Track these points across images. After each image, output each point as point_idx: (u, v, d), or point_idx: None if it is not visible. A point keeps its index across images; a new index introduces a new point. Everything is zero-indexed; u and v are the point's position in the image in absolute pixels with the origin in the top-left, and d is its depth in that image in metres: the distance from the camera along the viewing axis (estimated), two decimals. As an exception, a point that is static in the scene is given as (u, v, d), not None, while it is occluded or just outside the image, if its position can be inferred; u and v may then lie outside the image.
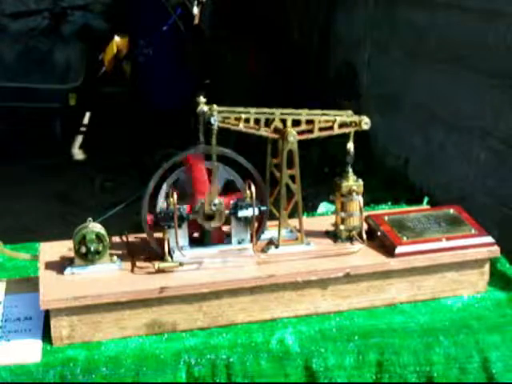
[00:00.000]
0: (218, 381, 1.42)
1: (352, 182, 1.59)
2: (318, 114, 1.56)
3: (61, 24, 5.93)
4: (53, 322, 1.43)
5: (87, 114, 6.15)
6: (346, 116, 1.58)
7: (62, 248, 1.58)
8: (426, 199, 1.98)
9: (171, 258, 1.52)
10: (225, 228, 1.58)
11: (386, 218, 1.67)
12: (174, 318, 1.48)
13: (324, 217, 1.91)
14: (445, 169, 3.61)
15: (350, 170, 1.60)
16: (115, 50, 5.88)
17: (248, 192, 1.53)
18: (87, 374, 1.38)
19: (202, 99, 1.50)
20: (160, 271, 1.50)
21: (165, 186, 1.53)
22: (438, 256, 1.58)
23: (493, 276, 1.65)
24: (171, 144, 3.24)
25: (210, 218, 1.53)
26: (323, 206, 2.18)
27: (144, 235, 1.55)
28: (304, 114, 1.55)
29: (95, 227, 1.51)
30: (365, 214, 1.63)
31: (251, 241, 1.55)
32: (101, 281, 1.48)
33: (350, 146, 1.58)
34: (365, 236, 1.60)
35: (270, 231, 1.61)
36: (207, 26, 5.68)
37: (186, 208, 1.52)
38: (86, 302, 1.43)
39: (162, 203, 1.52)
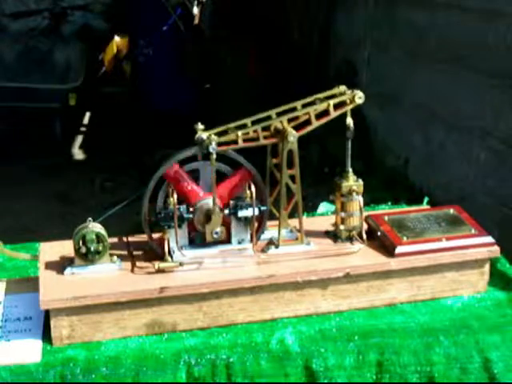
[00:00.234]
0: (218, 381, 1.42)
1: (352, 182, 1.59)
2: (311, 103, 1.55)
3: (61, 24, 5.93)
4: (53, 322, 1.43)
5: (87, 114, 6.14)
6: (339, 94, 1.56)
7: (62, 248, 1.58)
8: (426, 199, 1.98)
9: (171, 258, 1.52)
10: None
11: (386, 217, 1.67)
12: (174, 318, 1.48)
13: (324, 217, 1.91)
14: (445, 169, 3.61)
15: (350, 169, 1.60)
16: (115, 50, 5.88)
17: (248, 192, 1.53)
18: (87, 374, 1.38)
19: (200, 126, 1.50)
20: (160, 271, 1.50)
21: (165, 186, 1.53)
22: (438, 256, 1.58)
23: (493, 276, 1.65)
24: (171, 144, 3.23)
25: (207, 219, 1.53)
26: (323, 206, 2.18)
27: (144, 235, 1.55)
28: (299, 107, 1.55)
29: (95, 227, 1.51)
30: (365, 214, 1.63)
31: (251, 241, 1.55)
32: (101, 281, 1.48)
33: (349, 121, 1.56)
34: (365, 236, 1.60)
35: (270, 231, 1.61)
36: (207, 26, 5.68)
37: (185, 208, 1.52)
38: (85, 302, 1.43)
39: (161, 203, 1.52)
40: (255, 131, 1.51)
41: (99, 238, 1.51)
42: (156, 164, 1.56)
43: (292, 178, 1.57)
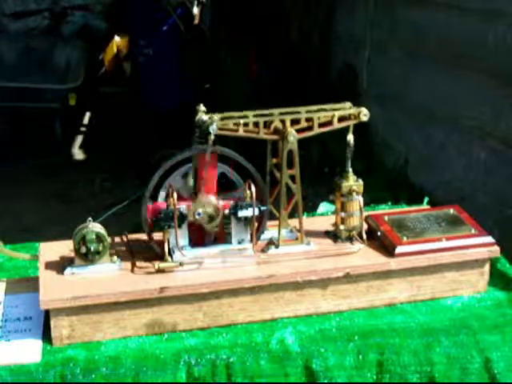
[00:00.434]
0: (218, 381, 1.42)
1: (352, 182, 1.59)
2: (316, 111, 1.56)
3: (61, 24, 5.93)
4: (53, 322, 1.43)
5: (87, 114, 6.15)
6: (345, 109, 1.57)
7: (62, 248, 1.58)
8: (426, 199, 1.98)
9: (171, 258, 1.52)
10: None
11: (386, 217, 1.67)
12: (174, 318, 1.48)
13: (324, 217, 1.91)
14: (445, 169, 3.61)
15: (350, 170, 1.60)
16: (115, 49, 5.88)
17: (248, 192, 1.52)
18: (87, 374, 1.38)
19: (202, 107, 1.50)
20: (160, 271, 1.50)
21: (165, 186, 1.53)
22: (438, 256, 1.58)
23: (493, 276, 1.65)
24: (171, 144, 3.23)
25: (210, 219, 1.53)
26: (323, 206, 2.18)
27: (144, 235, 1.55)
28: (303, 112, 1.55)
29: (95, 227, 1.51)
30: (365, 214, 1.63)
31: (251, 241, 1.55)
32: (101, 281, 1.48)
33: (350, 137, 1.57)
34: (365, 236, 1.60)
35: (270, 231, 1.61)
36: (207, 26, 5.68)
37: (185, 208, 1.52)
38: (85, 302, 1.43)
39: (161, 203, 1.52)
40: (256, 125, 1.52)
41: (99, 238, 1.51)
42: (156, 164, 1.56)
43: (292, 177, 1.57)
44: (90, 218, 1.53)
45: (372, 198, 2.02)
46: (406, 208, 1.89)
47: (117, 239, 1.62)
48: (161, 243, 1.53)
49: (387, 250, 1.58)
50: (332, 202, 1.69)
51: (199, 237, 1.57)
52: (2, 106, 5.34)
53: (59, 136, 5.54)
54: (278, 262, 1.54)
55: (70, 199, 4.66)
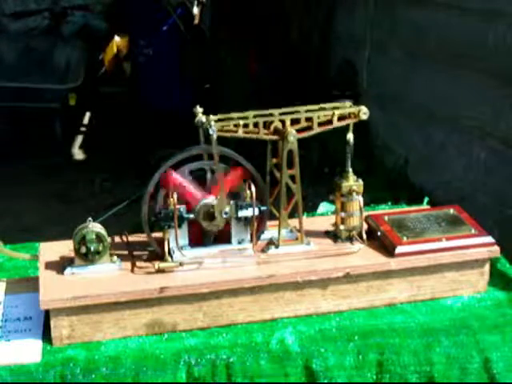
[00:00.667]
0: (218, 381, 1.42)
1: (352, 182, 1.59)
2: (316, 110, 1.56)
3: (61, 24, 5.93)
4: (53, 322, 1.43)
5: (87, 114, 6.15)
6: (344, 107, 1.57)
7: (62, 248, 1.58)
8: (426, 199, 1.98)
9: (171, 258, 1.52)
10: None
11: (386, 217, 1.67)
12: (174, 318, 1.48)
13: (324, 217, 1.91)
14: (445, 169, 3.61)
15: (350, 169, 1.60)
16: (115, 49, 5.88)
17: (248, 192, 1.52)
18: (87, 374, 1.38)
19: (199, 109, 1.50)
20: (160, 271, 1.50)
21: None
22: (438, 256, 1.58)
23: (493, 276, 1.65)
24: (171, 144, 3.24)
25: (211, 218, 1.53)
26: (323, 206, 2.18)
27: (144, 235, 1.55)
28: (302, 112, 1.55)
29: (95, 227, 1.51)
30: (365, 214, 1.63)
31: (251, 241, 1.55)
32: (101, 281, 1.48)
33: (350, 136, 1.57)
34: (365, 236, 1.60)
35: (270, 231, 1.61)
36: (207, 26, 5.68)
37: (185, 208, 1.52)
38: (85, 302, 1.43)
39: (161, 203, 1.52)
40: (256, 125, 1.52)
41: (99, 238, 1.51)
42: (156, 164, 1.56)
43: (292, 177, 1.57)
44: (90, 218, 1.53)
45: (372, 197, 2.02)
46: (406, 208, 1.89)
47: (117, 239, 1.62)
48: (161, 243, 1.53)
49: (387, 249, 1.58)
50: (332, 202, 1.69)
51: (199, 237, 1.57)
52: (2, 105, 5.34)
53: (59, 136, 5.54)
54: (278, 262, 1.54)
55: (70, 199, 4.66)
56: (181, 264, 1.51)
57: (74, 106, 5.51)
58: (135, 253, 1.58)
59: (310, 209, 2.08)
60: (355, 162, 1.61)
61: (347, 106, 1.58)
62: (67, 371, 1.38)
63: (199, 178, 1.56)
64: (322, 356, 1.45)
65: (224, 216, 1.52)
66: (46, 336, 1.45)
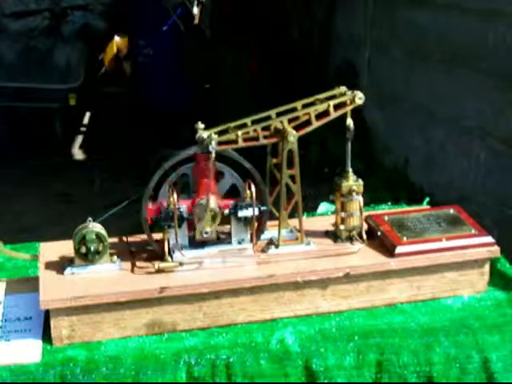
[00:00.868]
0: (218, 381, 1.42)
1: (352, 182, 1.59)
2: (311, 103, 1.55)
3: (61, 24, 5.92)
4: (53, 322, 1.43)
5: (87, 114, 6.15)
6: (339, 95, 1.57)
7: (62, 248, 1.58)
8: (426, 199, 1.98)
9: (171, 258, 1.52)
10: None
11: (386, 217, 1.67)
12: (174, 318, 1.48)
13: (324, 217, 1.91)
14: (445, 169, 3.61)
15: (350, 169, 1.60)
16: (115, 50, 5.88)
17: (248, 192, 1.52)
18: (87, 374, 1.38)
19: (201, 125, 1.50)
20: (160, 271, 1.50)
21: (165, 186, 1.53)
22: (438, 256, 1.58)
23: (493, 276, 1.65)
24: (171, 144, 3.24)
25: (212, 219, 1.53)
26: (323, 206, 2.18)
27: (144, 235, 1.55)
28: (299, 107, 1.55)
29: (95, 227, 1.51)
30: (365, 214, 1.63)
31: (251, 241, 1.55)
32: (101, 281, 1.48)
33: (350, 121, 1.57)
34: (365, 236, 1.60)
35: (270, 231, 1.61)
36: (207, 26, 5.68)
37: (185, 208, 1.52)
38: (85, 302, 1.43)
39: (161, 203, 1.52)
40: (255, 131, 1.52)
41: (99, 238, 1.51)
42: (156, 164, 1.56)
43: (292, 177, 1.57)
44: (90, 218, 1.53)
45: (372, 197, 2.02)
46: (406, 208, 1.89)
47: (117, 239, 1.62)
48: (161, 243, 1.53)
49: (387, 249, 1.58)
50: (332, 202, 1.69)
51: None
52: (2, 106, 5.34)
53: (59, 136, 5.54)
54: (278, 262, 1.54)
55: (70, 199, 4.66)
56: (181, 264, 1.51)
57: (74, 106, 5.50)
58: (135, 253, 1.58)
59: (310, 209, 2.08)
60: (355, 162, 1.61)
61: (342, 92, 1.57)
62: (67, 371, 1.38)
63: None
64: (322, 356, 1.45)
65: (204, 235, 1.51)
66: (46, 336, 1.45)
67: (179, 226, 1.51)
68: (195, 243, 1.55)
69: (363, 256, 1.57)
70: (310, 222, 1.69)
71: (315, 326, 1.51)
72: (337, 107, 1.56)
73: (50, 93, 5.39)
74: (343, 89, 1.58)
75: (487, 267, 1.62)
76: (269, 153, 1.59)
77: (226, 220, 1.55)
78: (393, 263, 1.56)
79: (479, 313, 1.56)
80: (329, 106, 1.54)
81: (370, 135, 4.32)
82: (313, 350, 1.45)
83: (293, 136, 1.53)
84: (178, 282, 1.47)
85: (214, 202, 1.51)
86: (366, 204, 1.71)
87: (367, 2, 4.46)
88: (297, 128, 1.54)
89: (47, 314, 1.45)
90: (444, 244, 1.59)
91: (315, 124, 1.55)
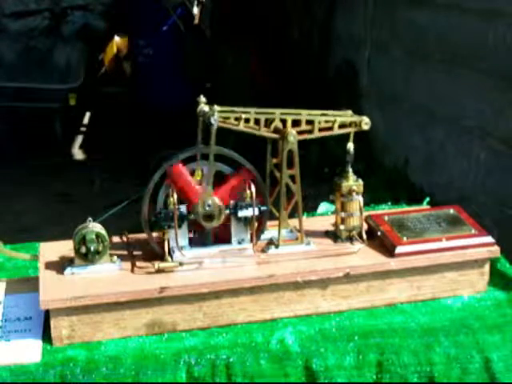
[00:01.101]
0: (218, 381, 1.42)
1: (352, 182, 1.59)
2: (317, 115, 1.56)
3: (61, 24, 5.92)
4: (53, 322, 1.43)
5: (87, 114, 6.15)
6: (346, 116, 1.58)
7: (62, 248, 1.58)
8: (426, 199, 1.98)
9: (171, 258, 1.52)
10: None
11: (386, 217, 1.67)
12: (174, 318, 1.48)
13: (324, 217, 1.91)
14: (445, 169, 3.61)
15: (350, 169, 1.60)
16: (115, 49, 5.89)
17: (248, 192, 1.52)
18: (87, 374, 1.38)
19: (203, 99, 1.51)
20: (160, 271, 1.50)
21: (165, 186, 1.53)
22: (438, 256, 1.58)
23: (493, 276, 1.65)
24: (171, 144, 3.24)
25: (209, 217, 1.53)
26: (323, 206, 2.18)
27: (144, 235, 1.55)
28: (304, 115, 1.55)
29: (95, 227, 1.51)
30: (365, 214, 1.63)
31: (251, 241, 1.55)
32: (101, 281, 1.48)
33: (350, 145, 1.58)
34: (365, 236, 1.60)
35: (270, 231, 1.61)
36: (207, 26, 5.68)
37: (185, 208, 1.52)
38: (85, 302, 1.43)
39: (161, 203, 1.52)
40: (257, 122, 1.52)
41: (99, 238, 1.51)
42: (156, 164, 1.56)
43: (292, 177, 1.57)
44: (90, 218, 1.53)
45: (372, 197, 2.02)
46: (406, 208, 1.89)
47: (117, 239, 1.62)
48: (161, 243, 1.53)
49: (387, 249, 1.58)
50: (332, 202, 1.69)
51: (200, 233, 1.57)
52: (2, 105, 5.34)
53: (59, 136, 5.54)
54: (278, 262, 1.54)
55: (70, 199, 4.66)
56: (181, 264, 1.51)
57: (74, 106, 5.51)
58: (135, 253, 1.58)
59: (310, 209, 2.08)
60: (355, 162, 1.61)
61: (349, 115, 1.58)
62: (67, 371, 1.38)
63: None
64: (322, 356, 1.44)
65: (207, 208, 1.51)
66: (46, 336, 1.45)
67: (179, 226, 1.51)
68: (195, 243, 1.55)
69: (363, 256, 1.57)
70: (310, 222, 1.69)
71: (315, 326, 1.51)
72: (341, 126, 1.57)
73: (49, 93, 5.39)
74: (349, 112, 1.58)
75: (487, 267, 1.62)
76: (269, 153, 1.59)
77: (226, 220, 1.55)
78: (393, 263, 1.56)
79: (479, 313, 1.56)
80: (334, 122, 1.55)
81: (370, 135, 4.31)
82: (313, 350, 1.45)
83: (293, 136, 1.53)
84: (178, 282, 1.47)
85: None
86: (366, 204, 1.71)
87: (367, 1, 4.46)
88: (298, 133, 1.54)
89: (47, 314, 1.45)
90: (444, 244, 1.59)
91: (316, 134, 1.56)
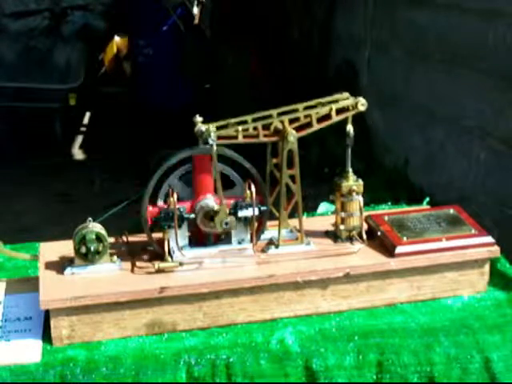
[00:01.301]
0: (218, 381, 1.42)
1: (352, 182, 1.59)
2: (313, 106, 1.55)
3: (61, 24, 5.92)
4: (53, 322, 1.43)
5: (87, 114, 6.14)
6: (342, 100, 1.57)
7: (62, 248, 1.58)
8: (426, 199, 1.98)
9: (171, 258, 1.52)
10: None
11: (386, 217, 1.67)
12: (174, 318, 1.48)
13: (324, 217, 1.91)
14: (445, 169, 3.61)
15: (350, 169, 1.60)
16: (115, 49, 5.89)
17: (248, 192, 1.52)
18: (87, 374, 1.38)
19: (199, 118, 1.50)
20: (160, 271, 1.50)
21: (165, 186, 1.53)
22: (438, 256, 1.58)
23: (493, 276, 1.65)
24: (171, 144, 3.24)
25: (210, 219, 1.53)
26: (323, 206, 2.18)
27: (144, 235, 1.55)
28: (300, 109, 1.55)
29: (95, 227, 1.51)
30: (365, 214, 1.63)
31: (251, 241, 1.55)
32: (101, 281, 1.48)
33: (350, 128, 1.57)
34: (365, 236, 1.60)
35: (270, 231, 1.60)
36: (207, 26, 5.68)
37: (186, 208, 1.52)
38: (85, 302, 1.43)
39: (161, 203, 1.52)
40: (255, 128, 1.52)
41: (99, 238, 1.51)
42: (156, 164, 1.56)
43: (292, 177, 1.57)
44: (90, 218, 1.53)
45: (372, 197, 2.02)
46: (406, 208, 1.89)
47: (117, 239, 1.62)
48: (161, 243, 1.53)
49: (387, 249, 1.58)
50: (332, 202, 1.69)
51: (199, 237, 1.57)
52: (2, 105, 5.34)
53: (59, 136, 5.54)
54: (278, 262, 1.54)
55: (70, 199, 4.66)
56: (181, 264, 1.51)
57: (74, 106, 5.51)
58: (135, 253, 1.58)
59: (310, 209, 2.08)
60: (355, 162, 1.61)
61: (344, 98, 1.57)
62: (67, 371, 1.38)
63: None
64: (322, 356, 1.44)
65: (224, 227, 1.51)
66: (46, 336, 1.45)
67: (179, 226, 1.51)
68: (195, 243, 1.55)
69: (363, 256, 1.57)
70: (310, 222, 1.69)
71: (315, 326, 1.51)
72: (339, 112, 1.56)
73: (49, 93, 5.39)
74: (346, 94, 1.58)
75: (487, 267, 1.62)
76: (269, 153, 1.59)
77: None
78: (393, 263, 1.56)
79: (479, 313, 1.56)
80: (331, 109, 1.55)
81: (370, 135, 4.32)
82: (313, 350, 1.45)
83: (293, 136, 1.53)
84: (178, 281, 1.47)
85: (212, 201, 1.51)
86: (366, 204, 1.71)
87: (367, 2, 4.46)
88: (297, 129, 1.54)
89: (47, 314, 1.45)
90: (444, 244, 1.59)
91: (316, 126, 1.55)
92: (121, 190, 4.64)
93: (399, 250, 1.56)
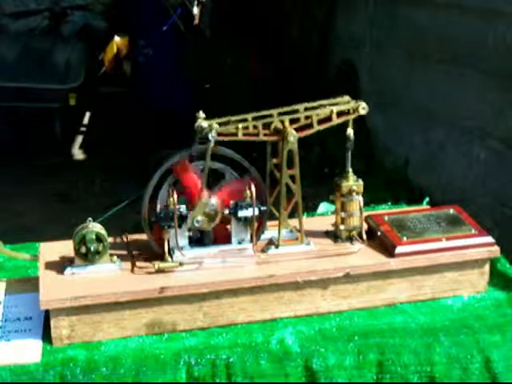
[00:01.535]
0: (218, 381, 1.42)
1: (352, 182, 1.59)
2: (314, 107, 1.55)
3: (61, 24, 5.93)
4: (53, 322, 1.43)
5: (87, 114, 6.14)
6: (343, 103, 1.57)
7: (62, 248, 1.58)
8: (426, 199, 1.98)
9: (171, 257, 1.52)
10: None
11: (386, 217, 1.67)
12: (174, 318, 1.48)
13: (324, 217, 1.91)
14: (445, 169, 3.61)
15: (350, 169, 1.60)
16: (115, 49, 5.88)
17: (248, 192, 1.52)
18: (87, 374, 1.38)
19: (201, 114, 1.50)
20: (160, 271, 1.50)
21: (165, 186, 1.53)
22: (438, 256, 1.58)
23: (493, 276, 1.65)
24: (171, 144, 3.24)
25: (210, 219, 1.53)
26: (323, 206, 2.18)
27: (144, 235, 1.55)
28: (301, 110, 1.55)
29: (95, 227, 1.51)
30: (365, 214, 1.63)
31: (251, 241, 1.55)
32: (101, 281, 1.48)
33: (350, 131, 1.57)
34: (365, 236, 1.60)
35: (270, 231, 1.60)
36: (207, 26, 5.67)
37: (185, 208, 1.52)
38: (85, 302, 1.43)
39: (161, 203, 1.52)
40: (255, 127, 1.52)
41: (99, 238, 1.50)
42: (156, 164, 1.56)
43: (292, 177, 1.56)
44: (90, 218, 1.53)
45: (372, 197, 2.02)
46: (406, 208, 1.89)
47: (117, 239, 1.62)
48: (161, 243, 1.53)
49: (387, 249, 1.58)
50: (332, 202, 1.69)
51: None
52: (2, 106, 5.34)
53: (59, 136, 5.54)
54: (278, 262, 1.54)
55: (70, 199, 4.66)
56: (181, 264, 1.51)
57: (73, 106, 5.50)
58: (135, 253, 1.58)
59: (310, 209, 2.08)
60: (355, 162, 1.61)
61: (346, 101, 1.57)
62: (67, 371, 1.38)
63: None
64: (322, 356, 1.44)
65: (196, 224, 1.51)
66: (46, 336, 1.45)
67: (179, 226, 1.51)
68: (195, 243, 1.55)
69: (363, 256, 1.57)
70: (310, 222, 1.69)
71: (315, 326, 1.51)
72: (340, 114, 1.56)
73: (49, 93, 5.39)
74: (347, 98, 1.58)
75: (487, 267, 1.62)
76: (269, 153, 1.59)
77: (226, 220, 1.55)
78: (393, 263, 1.56)
79: (479, 313, 1.56)
80: (332, 112, 1.55)
81: (370, 135, 4.32)
82: (313, 350, 1.45)
83: (293, 136, 1.53)
84: (178, 281, 1.47)
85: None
86: (366, 204, 1.71)
87: (367, 2, 4.46)
88: (297, 130, 1.54)
89: (47, 314, 1.45)
90: (444, 244, 1.59)
91: (316, 128, 1.55)
92: (121, 190, 4.64)
93: (399, 250, 1.56)
